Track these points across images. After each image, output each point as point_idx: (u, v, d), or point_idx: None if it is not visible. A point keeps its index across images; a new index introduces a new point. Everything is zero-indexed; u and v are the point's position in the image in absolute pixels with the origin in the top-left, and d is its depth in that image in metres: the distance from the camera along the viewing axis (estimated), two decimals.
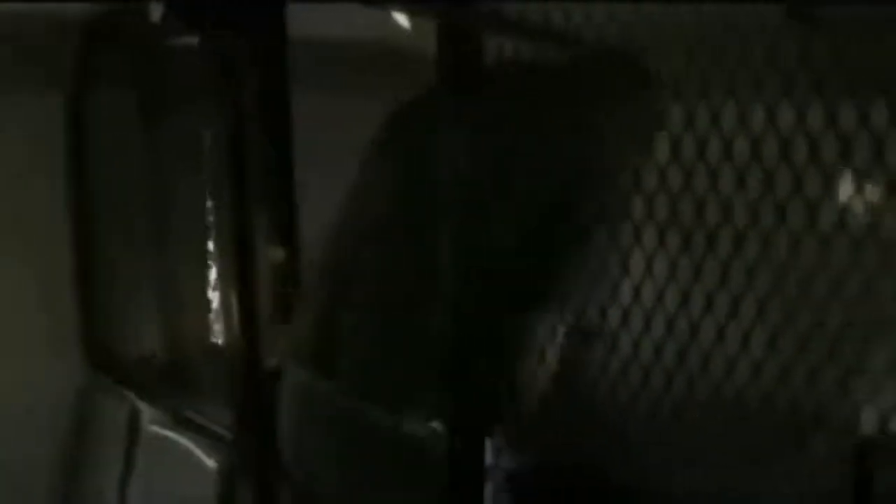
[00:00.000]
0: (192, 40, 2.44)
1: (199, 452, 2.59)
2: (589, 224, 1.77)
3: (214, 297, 2.61)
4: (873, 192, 1.46)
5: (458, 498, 1.68)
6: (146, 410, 2.83)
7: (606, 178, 1.75)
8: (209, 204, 2.44)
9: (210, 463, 2.54)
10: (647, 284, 1.66)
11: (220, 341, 2.58)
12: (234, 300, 2.20)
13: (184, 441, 2.66)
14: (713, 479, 1.79)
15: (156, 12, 2.39)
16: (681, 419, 1.83)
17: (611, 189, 1.75)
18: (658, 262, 1.71)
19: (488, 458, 1.78)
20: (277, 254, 2.14)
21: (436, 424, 1.72)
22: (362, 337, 1.91)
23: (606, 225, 1.73)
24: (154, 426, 2.79)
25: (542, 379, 1.85)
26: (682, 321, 1.64)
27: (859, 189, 1.46)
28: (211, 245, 2.55)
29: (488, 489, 1.78)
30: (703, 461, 1.84)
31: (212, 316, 2.64)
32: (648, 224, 1.63)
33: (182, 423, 2.72)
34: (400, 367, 1.81)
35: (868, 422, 1.64)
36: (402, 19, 2.52)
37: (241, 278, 2.17)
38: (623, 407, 1.77)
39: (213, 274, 2.59)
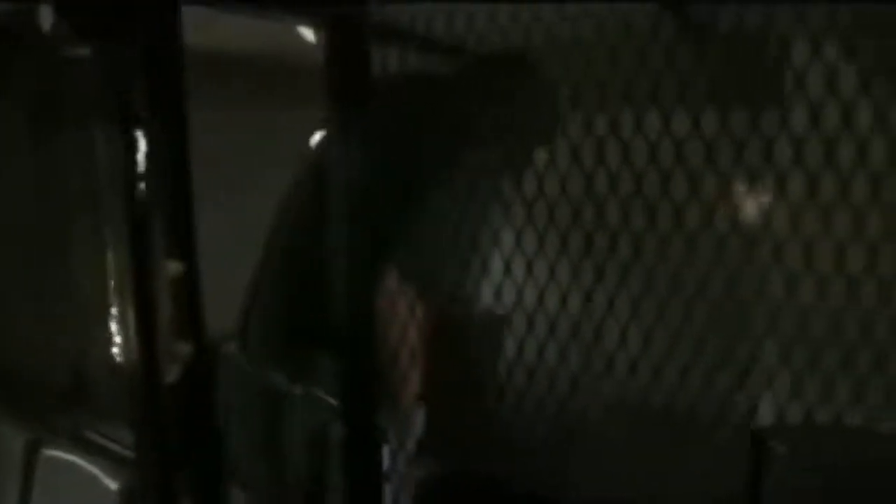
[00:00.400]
0: (85, 49, 2.52)
1: (100, 475, 2.66)
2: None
3: (113, 312, 2.69)
4: (737, 194, 1.61)
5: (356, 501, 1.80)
6: (44, 434, 2.88)
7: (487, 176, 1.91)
8: (105, 218, 2.52)
9: (112, 485, 2.61)
10: (529, 287, 1.80)
11: (119, 358, 2.66)
12: (132, 315, 2.29)
13: (84, 464, 2.72)
14: (616, 484, 1.93)
15: (46, 21, 2.46)
16: (577, 425, 1.97)
17: (493, 187, 1.91)
18: (558, 267, 1.86)
19: (386, 462, 1.91)
20: (175, 267, 2.23)
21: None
22: (274, 314, 2.21)
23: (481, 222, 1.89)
24: (53, 450, 2.84)
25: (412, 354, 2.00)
26: (564, 323, 1.78)
27: (724, 191, 1.61)
28: (109, 259, 2.63)
29: (387, 493, 1.91)
30: (605, 466, 1.98)
31: (111, 332, 2.72)
32: (529, 228, 1.77)
33: (83, 446, 2.78)
34: (301, 342, 2.01)
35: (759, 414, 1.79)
36: (306, 32, 2.64)
37: (138, 292, 2.26)
38: (518, 413, 1.90)
39: (111, 289, 2.67)
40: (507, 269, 1.85)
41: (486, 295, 1.91)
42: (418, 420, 2.07)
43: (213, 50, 2.87)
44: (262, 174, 2.83)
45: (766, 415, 1.74)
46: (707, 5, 1.65)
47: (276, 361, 2.31)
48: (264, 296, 2.43)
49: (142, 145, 2.27)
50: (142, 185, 2.26)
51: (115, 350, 2.66)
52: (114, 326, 2.65)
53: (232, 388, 2.38)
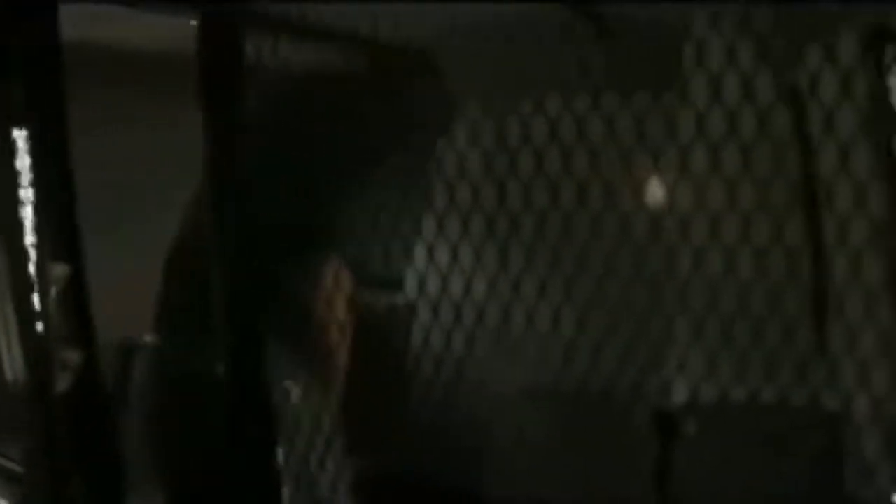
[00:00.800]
0: None
1: None
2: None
3: None
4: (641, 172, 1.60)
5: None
6: None
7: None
8: None
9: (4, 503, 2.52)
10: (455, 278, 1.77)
11: (6, 367, 2.55)
12: (14, 322, 2.19)
13: None
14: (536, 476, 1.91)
15: None
16: (489, 415, 1.95)
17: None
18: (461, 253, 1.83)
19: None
20: (59, 270, 2.14)
21: None
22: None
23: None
24: None
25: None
26: (470, 310, 1.75)
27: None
28: None
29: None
30: (521, 457, 1.96)
31: None
32: (452, 213, 1.74)
33: None
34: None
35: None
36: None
37: (21, 298, 2.16)
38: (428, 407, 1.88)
39: None
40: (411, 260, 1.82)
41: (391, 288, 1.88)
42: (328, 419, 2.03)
43: (98, 47, 2.77)
44: (155, 175, 2.76)
45: (679, 395, 1.74)
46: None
47: (195, 350, 2.26)
48: (177, 290, 2.37)
49: (21, 144, 2.19)
50: (22, 185, 2.17)
51: (2, 360, 2.54)
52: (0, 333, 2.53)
53: (150, 380, 2.32)
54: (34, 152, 2.18)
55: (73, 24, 2.27)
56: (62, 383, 2.18)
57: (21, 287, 2.15)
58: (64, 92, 2.24)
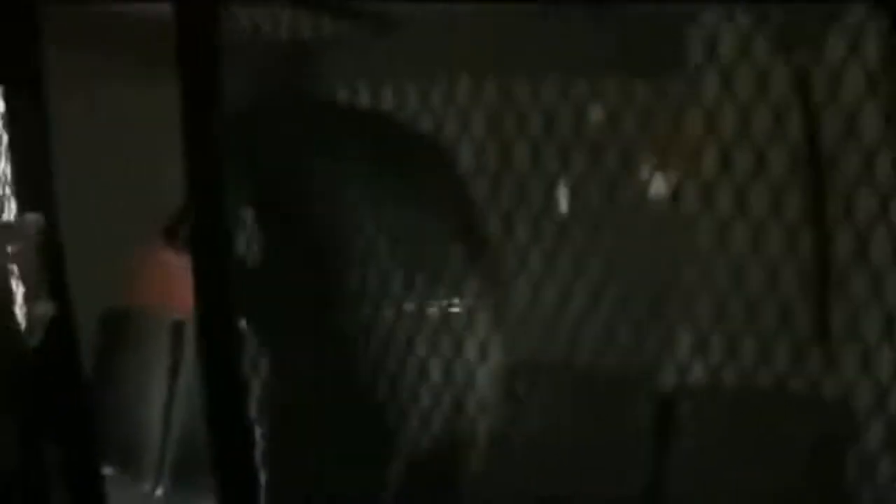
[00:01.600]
0: None
1: None
2: None
3: None
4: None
5: None
6: None
7: None
8: None
9: None
10: None
11: None
12: None
13: None
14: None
15: None
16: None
17: None
18: None
19: None
20: (32, 219, 2.09)
21: None
22: None
23: None
24: None
25: None
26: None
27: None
28: None
29: None
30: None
31: None
32: None
33: None
34: None
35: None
36: None
37: None
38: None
39: None
40: None
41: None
42: None
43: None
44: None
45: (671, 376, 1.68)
46: None
47: None
48: None
49: None
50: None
51: None
52: None
53: None
54: (11, 104, 2.13)
55: None
56: (34, 338, 2.13)
57: None
58: (41, 43, 2.18)
